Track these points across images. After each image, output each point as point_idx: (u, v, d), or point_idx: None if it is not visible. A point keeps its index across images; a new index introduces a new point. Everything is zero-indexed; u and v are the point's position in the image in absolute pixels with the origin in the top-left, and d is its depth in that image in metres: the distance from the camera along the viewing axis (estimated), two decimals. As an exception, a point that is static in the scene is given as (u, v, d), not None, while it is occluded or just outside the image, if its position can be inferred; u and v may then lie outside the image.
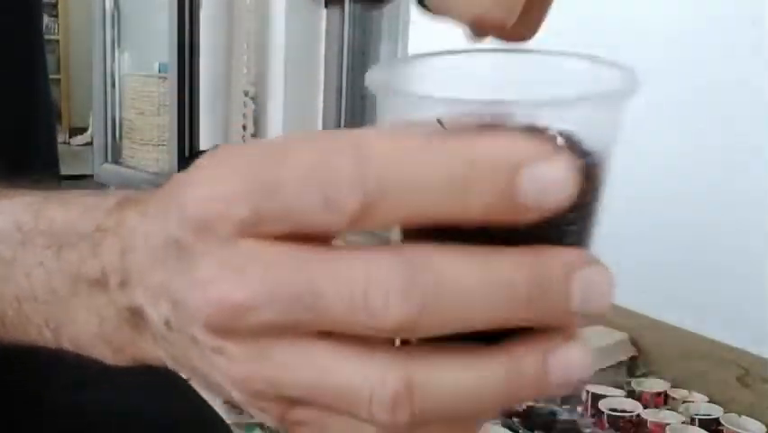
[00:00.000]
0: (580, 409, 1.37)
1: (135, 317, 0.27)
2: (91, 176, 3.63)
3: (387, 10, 2.68)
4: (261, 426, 1.31)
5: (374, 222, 0.22)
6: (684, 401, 1.33)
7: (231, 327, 0.23)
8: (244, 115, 3.01)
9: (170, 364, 0.28)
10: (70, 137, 5.89)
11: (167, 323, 0.26)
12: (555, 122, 0.22)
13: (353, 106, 2.83)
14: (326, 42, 2.87)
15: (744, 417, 1.28)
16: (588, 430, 1.30)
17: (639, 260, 1.55)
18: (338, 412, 0.23)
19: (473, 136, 0.21)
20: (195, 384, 0.29)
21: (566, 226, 0.23)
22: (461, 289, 0.21)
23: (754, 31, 1.31)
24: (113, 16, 3.51)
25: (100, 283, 0.28)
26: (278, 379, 0.23)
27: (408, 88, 0.25)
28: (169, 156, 3.18)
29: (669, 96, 1.46)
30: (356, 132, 0.22)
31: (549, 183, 0.21)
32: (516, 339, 0.22)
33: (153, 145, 3.38)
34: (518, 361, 0.22)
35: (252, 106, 3.00)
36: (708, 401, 1.35)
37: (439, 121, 0.23)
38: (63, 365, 0.63)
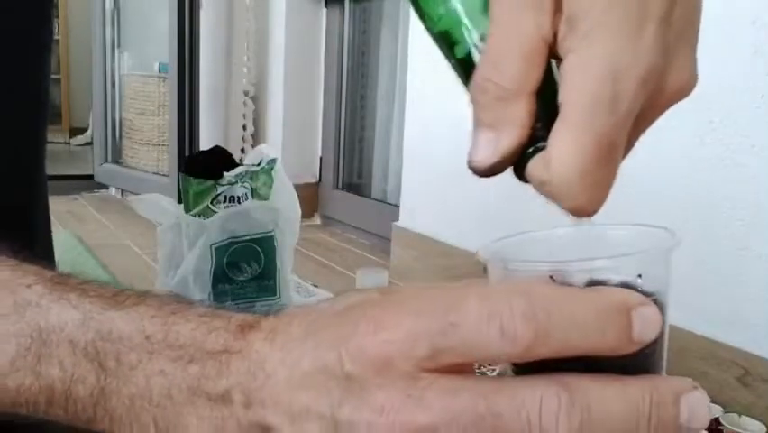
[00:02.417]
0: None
1: (259, 432, 0.32)
2: (91, 176, 3.64)
3: (387, 10, 2.68)
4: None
5: (541, 352, 0.27)
6: (684, 401, 1.33)
7: None
8: (244, 115, 3.02)
9: None
10: (70, 137, 5.90)
11: None
12: (622, 274, 0.30)
13: (353, 106, 2.84)
14: (326, 42, 2.87)
15: (744, 417, 1.28)
16: (588, 430, 1.31)
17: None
18: None
19: (599, 289, 0.29)
20: None
21: (651, 354, 0.30)
22: (607, 410, 0.27)
23: (754, 31, 1.31)
24: (113, 16, 3.52)
25: (223, 400, 0.32)
26: None
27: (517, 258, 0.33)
28: (168, 156, 3.18)
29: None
30: (521, 284, 0.29)
31: (649, 322, 0.29)
32: None
33: (153, 145, 3.38)
34: None
35: (252, 106, 3.00)
36: (708, 401, 1.35)
37: (551, 277, 0.29)
38: None
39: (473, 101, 0.34)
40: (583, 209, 0.32)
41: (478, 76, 0.33)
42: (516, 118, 0.32)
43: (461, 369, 0.29)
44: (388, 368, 0.29)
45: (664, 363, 0.31)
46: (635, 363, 0.28)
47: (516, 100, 0.32)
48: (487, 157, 0.34)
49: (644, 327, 0.28)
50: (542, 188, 0.34)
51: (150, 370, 0.33)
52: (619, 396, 0.27)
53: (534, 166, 0.33)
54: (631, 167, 1.36)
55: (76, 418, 0.35)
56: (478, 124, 0.34)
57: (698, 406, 0.29)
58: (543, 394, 0.27)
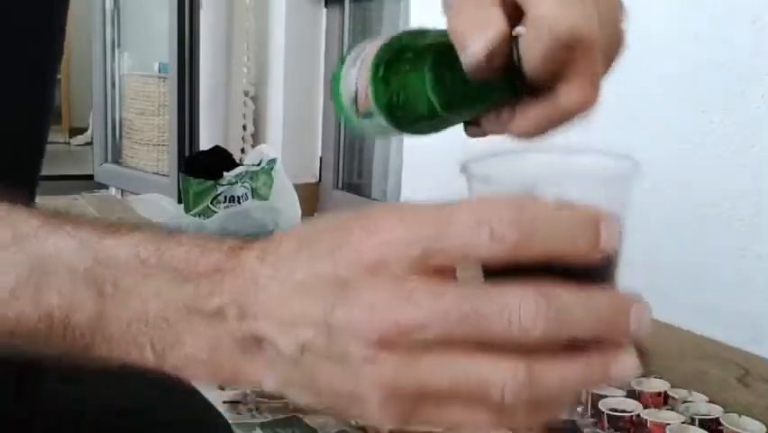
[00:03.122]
0: (580, 409, 1.37)
1: (251, 345, 0.34)
2: (91, 176, 3.63)
3: (387, 10, 2.68)
4: (262, 426, 1.32)
5: (523, 254, 0.30)
6: (684, 401, 1.33)
7: (394, 342, 0.30)
8: (244, 115, 3.02)
9: (276, 385, 0.34)
10: (70, 137, 5.89)
11: (302, 348, 0.32)
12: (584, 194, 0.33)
13: (353, 106, 2.84)
14: (326, 42, 2.87)
15: (744, 417, 1.28)
16: (588, 430, 1.30)
17: (639, 260, 1.55)
18: (471, 402, 0.31)
19: (572, 204, 0.32)
20: (296, 397, 0.35)
21: (609, 267, 0.34)
22: (576, 314, 0.31)
23: (755, 31, 1.31)
24: (113, 16, 3.51)
25: (218, 316, 0.34)
26: (426, 379, 0.31)
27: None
28: (168, 156, 3.18)
29: (669, 96, 1.46)
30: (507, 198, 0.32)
31: (613, 234, 0.32)
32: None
33: (153, 145, 3.38)
34: (598, 362, 0.32)
35: (252, 106, 3.00)
36: (708, 401, 1.35)
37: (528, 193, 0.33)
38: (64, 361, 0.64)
39: (455, 13, 0.41)
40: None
41: None
42: (496, 15, 0.40)
43: (446, 277, 0.31)
44: (380, 270, 0.31)
45: (618, 278, 0.35)
46: (597, 273, 0.33)
47: (492, 4, 0.41)
48: (480, 49, 0.40)
49: (609, 237, 0.31)
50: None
51: (146, 292, 0.35)
52: (585, 302, 0.31)
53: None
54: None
55: (74, 345, 0.36)
56: (463, 26, 0.41)
57: (644, 314, 0.32)
58: (522, 298, 0.30)
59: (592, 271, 0.32)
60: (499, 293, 0.30)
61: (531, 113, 0.47)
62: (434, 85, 0.45)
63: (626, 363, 0.33)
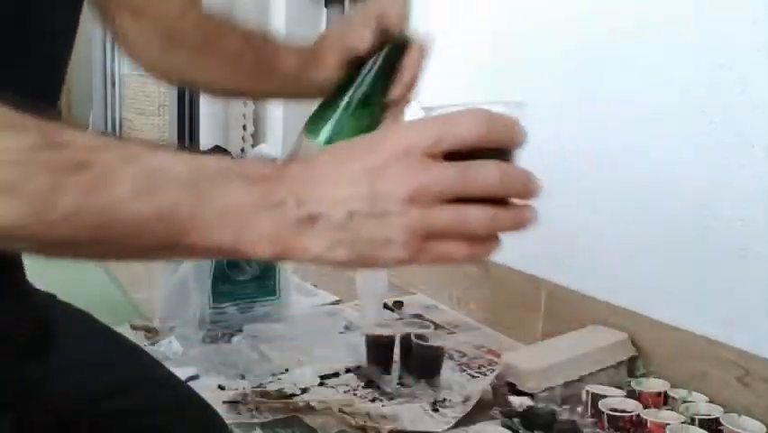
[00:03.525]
0: (580, 409, 1.37)
1: (305, 223, 0.48)
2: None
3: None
4: (262, 426, 1.32)
5: (487, 139, 0.50)
6: (684, 401, 1.33)
7: (416, 199, 0.48)
8: (244, 115, 3.01)
9: (322, 249, 0.49)
10: (70, 137, 5.89)
11: (351, 215, 0.48)
12: None
13: (353, 106, 2.83)
14: (326, 42, 2.86)
15: (744, 417, 1.28)
16: (588, 430, 1.30)
17: (639, 260, 1.55)
18: (458, 238, 0.50)
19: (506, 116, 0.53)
20: (335, 255, 0.51)
21: (516, 154, 0.53)
22: (516, 178, 0.52)
23: (755, 31, 1.31)
24: (113, 16, 3.51)
25: (280, 205, 0.48)
26: (434, 222, 0.49)
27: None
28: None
29: (669, 96, 1.46)
30: (486, 111, 0.51)
31: (523, 130, 0.52)
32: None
33: (153, 145, 3.38)
34: (524, 210, 0.53)
35: (252, 106, 3.00)
36: (708, 401, 1.35)
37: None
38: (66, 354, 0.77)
39: None
40: None
41: None
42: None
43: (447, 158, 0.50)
44: (406, 155, 0.49)
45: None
46: (512, 157, 0.53)
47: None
48: None
49: (524, 131, 0.52)
50: None
51: (228, 193, 0.48)
52: (520, 173, 0.52)
53: None
54: (631, 167, 1.37)
55: (173, 236, 0.48)
56: None
57: (537, 182, 0.53)
58: (489, 168, 0.50)
59: (511, 155, 0.53)
60: (476, 166, 0.50)
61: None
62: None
63: (533, 212, 0.54)
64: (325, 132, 0.70)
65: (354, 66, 0.76)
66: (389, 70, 0.76)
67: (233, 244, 0.48)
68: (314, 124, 0.72)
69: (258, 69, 0.88)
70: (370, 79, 0.74)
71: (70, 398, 0.83)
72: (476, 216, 0.50)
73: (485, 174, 0.50)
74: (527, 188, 0.52)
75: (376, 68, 0.75)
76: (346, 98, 0.73)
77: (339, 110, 0.72)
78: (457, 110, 0.51)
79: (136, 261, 0.65)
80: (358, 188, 0.48)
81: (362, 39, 0.79)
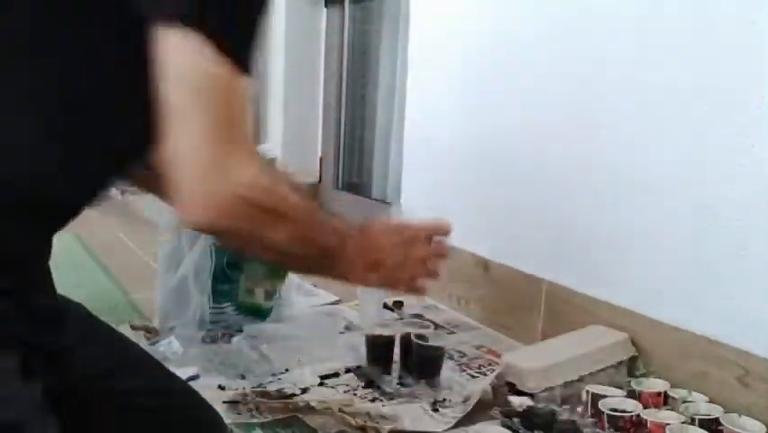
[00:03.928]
0: (580, 409, 1.37)
1: (373, 266, 0.99)
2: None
3: (387, 10, 2.68)
4: (262, 426, 1.32)
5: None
6: (684, 401, 1.33)
7: (422, 259, 1.04)
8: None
9: (378, 280, 1.01)
10: (70, 137, 5.88)
11: (394, 263, 1.01)
12: None
13: (353, 106, 2.83)
14: (326, 42, 2.87)
15: (744, 417, 1.28)
16: (588, 430, 1.30)
17: (640, 260, 1.55)
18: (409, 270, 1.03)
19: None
20: (376, 281, 1.02)
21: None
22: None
23: (755, 31, 1.31)
24: (113, 16, 3.51)
25: (364, 255, 0.97)
26: (404, 263, 1.02)
27: None
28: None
29: (669, 96, 1.46)
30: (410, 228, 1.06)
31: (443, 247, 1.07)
32: None
33: (153, 145, 3.38)
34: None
35: (252, 106, 3.00)
36: (708, 401, 1.35)
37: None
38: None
39: None
40: None
41: None
42: None
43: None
44: (417, 239, 1.03)
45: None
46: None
47: None
48: None
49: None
50: None
51: (347, 245, 0.93)
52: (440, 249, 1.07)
53: None
54: (632, 167, 1.37)
55: (327, 263, 0.93)
56: None
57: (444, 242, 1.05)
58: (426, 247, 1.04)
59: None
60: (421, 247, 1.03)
61: None
62: None
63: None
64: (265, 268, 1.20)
65: None
66: None
67: (342, 272, 0.96)
68: None
69: None
70: None
71: (85, 372, 0.92)
72: (416, 261, 1.04)
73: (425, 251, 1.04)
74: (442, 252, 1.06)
75: None
76: None
77: None
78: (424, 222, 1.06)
79: (314, 271, 1.04)
80: (396, 253, 1.01)
81: None
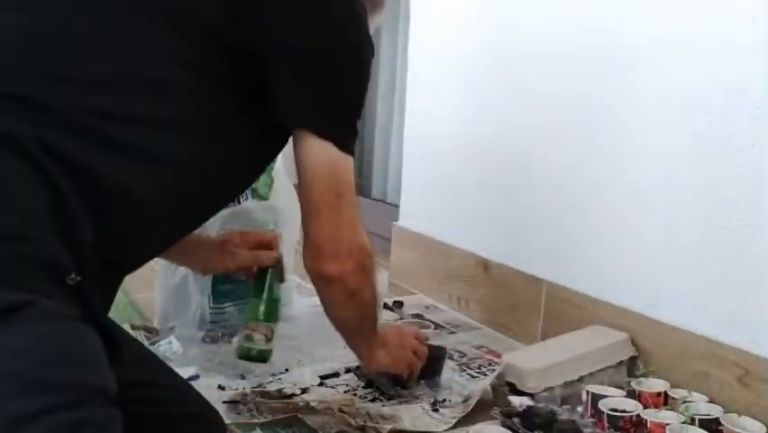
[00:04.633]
0: (580, 409, 1.37)
1: (384, 347, 1.38)
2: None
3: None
4: (262, 426, 1.32)
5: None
6: (684, 401, 1.33)
7: (415, 353, 1.44)
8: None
9: (385, 362, 1.38)
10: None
11: (396, 347, 1.41)
12: None
13: (353, 106, 2.83)
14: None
15: (744, 417, 1.28)
16: (588, 430, 1.30)
17: (639, 260, 1.55)
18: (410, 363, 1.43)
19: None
20: (382, 364, 1.37)
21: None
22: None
23: (754, 31, 1.31)
24: (113, 16, 3.50)
25: (379, 349, 1.38)
26: (407, 357, 1.43)
27: None
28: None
29: (669, 96, 1.46)
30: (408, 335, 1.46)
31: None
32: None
33: (153, 145, 3.37)
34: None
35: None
36: (708, 401, 1.35)
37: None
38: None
39: None
40: None
41: None
42: None
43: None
44: (414, 338, 1.45)
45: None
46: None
47: None
48: None
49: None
50: None
51: (374, 343, 1.34)
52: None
53: None
54: (632, 167, 1.37)
55: (374, 331, 1.31)
56: None
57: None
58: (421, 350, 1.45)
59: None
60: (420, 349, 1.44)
61: None
62: None
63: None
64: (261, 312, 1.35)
65: (259, 273, 1.38)
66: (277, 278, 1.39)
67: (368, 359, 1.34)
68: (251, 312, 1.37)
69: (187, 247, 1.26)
70: (271, 286, 1.37)
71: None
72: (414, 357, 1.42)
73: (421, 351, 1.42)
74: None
75: (269, 280, 1.37)
76: (265, 295, 1.36)
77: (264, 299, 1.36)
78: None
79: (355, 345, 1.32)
80: (397, 341, 1.38)
81: (269, 257, 1.40)
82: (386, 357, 1.33)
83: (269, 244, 1.40)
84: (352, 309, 1.17)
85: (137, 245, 0.96)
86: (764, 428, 1.27)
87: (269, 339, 1.31)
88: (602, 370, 1.47)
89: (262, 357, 1.32)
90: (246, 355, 1.31)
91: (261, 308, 1.33)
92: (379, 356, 1.32)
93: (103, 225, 0.85)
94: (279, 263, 1.39)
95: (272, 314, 1.34)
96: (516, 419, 1.33)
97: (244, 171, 1.12)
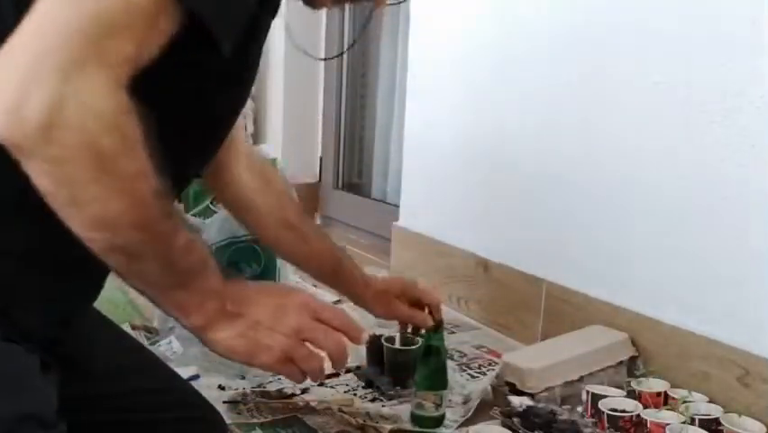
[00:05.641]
0: (580, 409, 1.37)
1: (231, 316, 0.83)
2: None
3: (387, 10, 2.68)
4: (262, 426, 1.32)
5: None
6: (684, 401, 1.33)
7: (297, 333, 0.85)
8: (244, 116, 3.01)
9: (230, 335, 0.83)
10: (70, 137, 5.88)
11: (257, 322, 0.84)
12: None
13: (353, 106, 2.83)
14: (326, 42, 2.86)
15: (744, 417, 1.28)
16: (588, 430, 1.30)
17: (640, 260, 1.55)
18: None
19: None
20: (232, 343, 0.85)
21: None
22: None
23: (754, 31, 1.31)
24: (113, 16, 3.50)
25: (221, 305, 0.83)
26: (299, 350, 0.86)
27: None
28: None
29: (669, 96, 1.46)
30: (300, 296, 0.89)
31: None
32: None
33: (153, 145, 3.37)
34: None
35: (252, 106, 3.00)
36: (708, 401, 1.35)
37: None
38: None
39: None
40: None
41: None
42: None
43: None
44: (304, 308, 0.87)
45: None
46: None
47: None
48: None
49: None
50: None
51: (208, 280, 0.80)
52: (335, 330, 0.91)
53: None
54: (631, 167, 1.37)
55: (181, 282, 0.78)
56: None
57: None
58: (325, 332, 0.88)
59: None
60: (321, 329, 0.88)
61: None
62: None
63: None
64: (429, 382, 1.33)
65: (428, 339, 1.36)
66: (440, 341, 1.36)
67: (187, 306, 0.81)
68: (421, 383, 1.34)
69: (330, 272, 1.35)
70: (438, 353, 1.35)
71: (89, 371, 0.94)
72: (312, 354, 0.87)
73: (323, 335, 0.86)
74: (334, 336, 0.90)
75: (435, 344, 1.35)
76: (432, 365, 1.33)
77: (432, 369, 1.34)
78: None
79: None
80: (268, 311, 0.82)
81: (425, 321, 1.34)
82: (231, 335, 0.82)
83: (431, 307, 1.34)
84: (80, 222, 0.67)
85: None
86: (764, 428, 1.27)
87: (438, 405, 1.31)
88: (602, 370, 1.47)
89: (434, 424, 1.33)
90: (420, 424, 1.32)
91: (429, 378, 1.32)
92: (216, 323, 0.82)
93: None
94: (440, 327, 1.35)
95: (439, 382, 1.33)
96: (516, 419, 1.33)
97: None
